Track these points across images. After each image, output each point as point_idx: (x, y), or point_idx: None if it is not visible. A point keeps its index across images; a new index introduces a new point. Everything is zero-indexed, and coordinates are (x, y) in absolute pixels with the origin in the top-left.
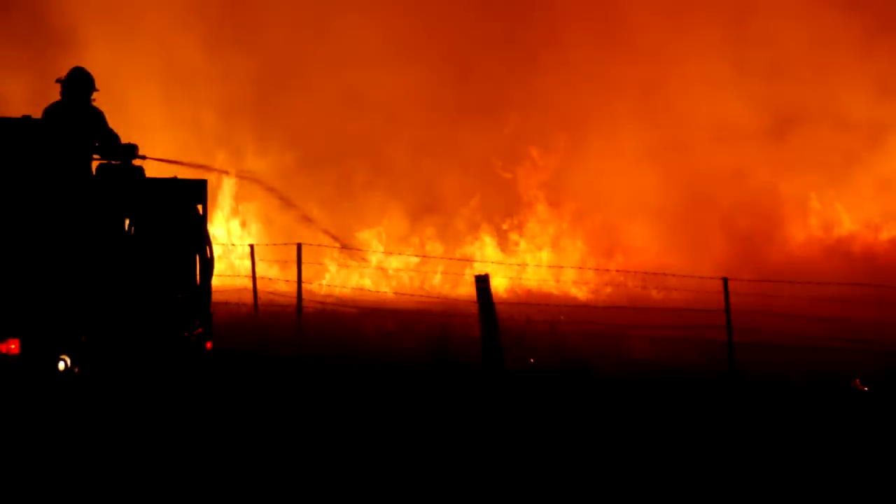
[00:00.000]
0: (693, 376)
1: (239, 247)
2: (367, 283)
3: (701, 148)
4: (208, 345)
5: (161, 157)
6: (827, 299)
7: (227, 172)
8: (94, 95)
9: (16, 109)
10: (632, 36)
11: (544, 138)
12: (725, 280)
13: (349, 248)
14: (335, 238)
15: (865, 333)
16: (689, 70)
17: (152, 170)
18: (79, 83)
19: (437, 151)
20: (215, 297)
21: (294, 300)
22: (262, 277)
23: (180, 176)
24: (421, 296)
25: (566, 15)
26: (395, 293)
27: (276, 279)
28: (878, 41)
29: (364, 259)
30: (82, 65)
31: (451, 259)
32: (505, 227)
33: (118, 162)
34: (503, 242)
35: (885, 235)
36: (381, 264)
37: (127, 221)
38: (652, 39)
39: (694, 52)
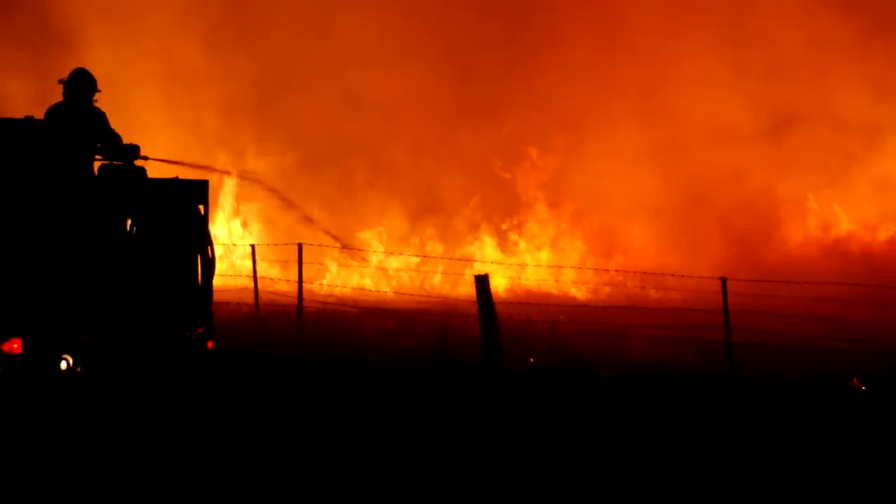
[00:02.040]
0: (692, 376)
1: (240, 247)
2: (368, 283)
3: (699, 148)
4: (209, 344)
5: (162, 158)
6: (825, 299)
7: (228, 173)
8: (96, 96)
9: (18, 110)
10: (630, 37)
11: (544, 138)
12: (724, 280)
13: (350, 248)
14: (336, 238)
15: (863, 333)
16: (687, 71)
17: (154, 170)
18: (80, 84)
19: (437, 151)
20: (216, 296)
21: (295, 300)
22: (263, 277)
23: (182, 176)
24: (421, 296)
25: (566, 15)
26: (395, 293)
27: (277, 279)
28: (874, 42)
29: (364, 259)
30: (84, 65)
31: (451, 259)
32: (505, 227)
33: (120, 162)
34: (503, 242)
35: (882, 235)
36: (382, 264)
37: (129, 222)
38: (650, 40)
39: (691, 53)
